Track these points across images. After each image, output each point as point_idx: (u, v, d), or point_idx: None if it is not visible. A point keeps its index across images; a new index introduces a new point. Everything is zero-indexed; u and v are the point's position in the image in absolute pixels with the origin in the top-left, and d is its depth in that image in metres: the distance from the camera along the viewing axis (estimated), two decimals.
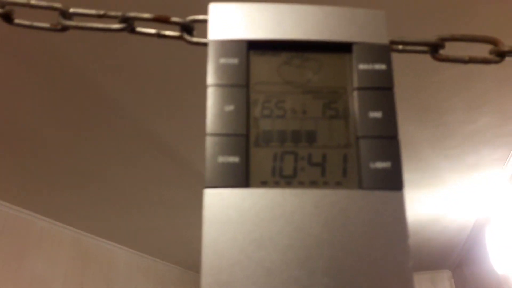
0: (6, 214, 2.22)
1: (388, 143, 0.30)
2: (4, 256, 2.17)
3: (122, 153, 1.91)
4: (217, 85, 0.30)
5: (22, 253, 2.29)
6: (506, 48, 0.35)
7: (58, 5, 0.36)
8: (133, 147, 1.86)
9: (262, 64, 0.32)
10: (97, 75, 1.38)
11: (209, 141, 0.29)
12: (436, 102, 1.83)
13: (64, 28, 0.37)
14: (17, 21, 0.38)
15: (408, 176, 2.57)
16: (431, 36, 0.35)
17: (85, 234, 2.78)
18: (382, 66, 0.31)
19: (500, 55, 0.35)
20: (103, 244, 2.94)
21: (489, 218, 3.20)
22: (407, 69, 1.50)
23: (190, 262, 3.86)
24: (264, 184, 0.29)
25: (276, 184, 0.29)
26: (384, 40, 0.32)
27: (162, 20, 0.36)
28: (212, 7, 0.33)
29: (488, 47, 0.36)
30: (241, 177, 0.29)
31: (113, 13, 0.36)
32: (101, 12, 0.36)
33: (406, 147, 2.24)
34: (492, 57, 0.36)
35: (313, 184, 0.30)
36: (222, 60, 0.31)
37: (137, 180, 2.16)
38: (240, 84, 0.30)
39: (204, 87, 0.31)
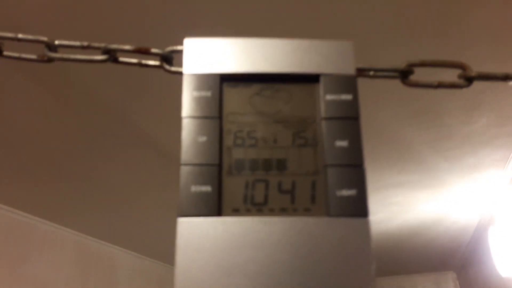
0: (10, 218, 2.25)
1: (353, 171, 0.31)
2: (8, 259, 2.20)
3: (123, 158, 1.93)
4: (191, 117, 0.32)
5: (25, 257, 2.31)
6: (473, 74, 0.36)
7: (44, 38, 0.38)
8: (134, 152, 1.88)
9: (235, 96, 0.33)
10: (97, 83, 1.40)
11: (183, 171, 0.31)
12: (433, 104, 1.84)
13: (50, 60, 0.39)
14: (6, 53, 0.39)
15: (407, 177, 2.58)
16: (401, 62, 0.36)
17: (87, 237, 2.80)
18: (348, 97, 0.32)
19: (468, 79, 0.36)
20: (105, 247, 2.97)
21: (493, 219, 3.20)
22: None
23: None
24: (236, 212, 0.31)
25: (248, 212, 0.31)
26: (350, 70, 0.33)
27: (142, 52, 0.37)
28: (186, 41, 0.34)
29: (457, 71, 0.37)
30: (213, 205, 0.30)
31: (96, 45, 0.38)
32: (85, 43, 0.38)
33: (404, 149, 2.25)
34: (460, 81, 0.37)
35: (283, 211, 0.31)
36: (196, 93, 0.32)
37: (139, 183, 2.18)
38: (212, 116, 0.32)
39: None
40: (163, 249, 3.29)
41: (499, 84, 1.44)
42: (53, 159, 1.87)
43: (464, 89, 1.34)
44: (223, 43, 0.34)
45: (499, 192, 2.84)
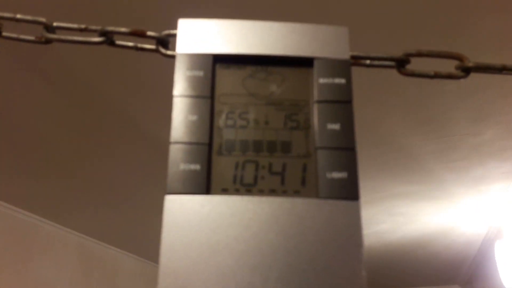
0: (13, 217, 2.25)
1: (345, 154, 0.31)
2: (10, 259, 2.20)
3: (129, 160, 1.93)
4: (182, 96, 0.32)
5: (28, 257, 2.31)
6: (471, 64, 0.35)
7: (42, 19, 0.38)
8: (141, 154, 1.88)
9: (227, 77, 0.33)
10: (104, 84, 1.41)
11: (172, 149, 0.31)
12: (440, 114, 1.83)
13: (48, 41, 0.39)
14: (4, 34, 0.40)
15: (412, 188, 2.55)
16: (397, 51, 0.36)
17: (90, 239, 2.80)
18: (342, 80, 0.32)
19: (465, 70, 0.36)
20: (108, 250, 2.96)
21: (500, 232, 3.15)
22: (409, 80, 1.50)
23: None
24: (224, 191, 0.30)
25: (237, 192, 0.30)
26: (345, 55, 0.33)
27: (138, 34, 0.37)
28: (181, 22, 0.34)
29: (454, 62, 0.37)
30: (201, 184, 0.30)
31: (93, 27, 0.38)
32: (83, 26, 0.38)
33: (410, 158, 2.23)
34: (457, 72, 0.36)
35: (273, 192, 0.31)
36: (188, 73, 0.32)
37: (144, 186, 2.18)
38: (204, 96, 0.32)
39: None
40: None
41: (508, 96, 1.43)
42: (58, 159, 1.88)
43: (471, 101, 1.34)
44: (218, 24, 0.34)
45: (507, 205, 2.80)
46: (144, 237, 2.90)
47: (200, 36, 0.34)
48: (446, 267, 4.22)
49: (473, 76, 0.38)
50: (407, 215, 2.95)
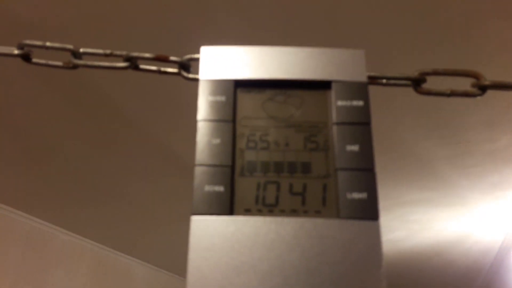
0: (30, 227, 2.29)
1: (364, 175, 0.32)
2: (27, 267, 2.24)
3: (142, 170, 1.96)
4: (206, 120, 0.33)
5: (44, 265, 2.35)
6: (487, 82, 0.36)
7: (70, 46, 0.40)
8: (152, 164, 1.90)
9: (248, 101, 0.34)
10: (120, 96, 1.44)
11: (197, 171, 0.32)
12: (455, 120, 1.82)
13: (75, 66, 0.41)
14: (34, 60, 0.42)
15: (427, 194, 2.53)
16: (413, 71, 0.37)
17: (105, 248, 2.83)
18: (360, 103, 0.33)
19: (482, 88, 0.37)
20: (122, 259, 2.99)
21: None
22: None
23: None
24: (247, 212, 0.32)
25: (259, 212, 0.32)
26: (362, 78, 0.34)
27: (162, 59, 0.39)
28: (203, 49, 0.36)
29: (471, 80, 0.38)
30: (225, 205, 0.31)
31: (118, 53, 0.40)
32: (108, 51, 0.40)
33: (424, 164, 2.22)
34: (474, 90, 0.37)
35: (294, 212, 0.32)
36: (211, 98, 0.34)
37: (155, 196, 2.20)
38: (226, 120, 0.33)
39: None
40: (180, 263, 3.30)
41: None
42: (74, 172, 1.91)
43: (486, 107, 1.33)
44: (238, 50, 0.35)
45: None
46: (157, 246, 2.92)
47: (222, 62, 0.35)
48: (463, 275, 4.15)
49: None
50: (421, 222, 2.92)
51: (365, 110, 0.33)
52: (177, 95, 1.39)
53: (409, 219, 2.87)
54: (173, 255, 3.11)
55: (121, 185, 2.07)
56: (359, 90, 0.34)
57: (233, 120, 0.33)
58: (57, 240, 2.46)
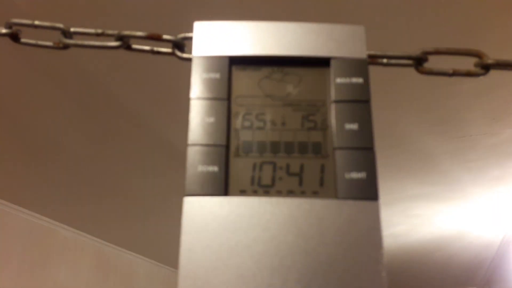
0: (32, 223, 2.29)
1: (363, 154, 0.30)
2: (29, 263, 2.24)
3: (143, 165, 1.95)
4: (199, 98, 0.32)
5: (46, 261, 2.35)
6: (490, 61, 0.35)
7: (60, 25, 0.39)
8: (154, 159, 1.90)
9: (244, 79, 0.33)
10: (120, 90, 1.42)
11: (190, 151, 0.31)
12: (456, 114, 1.80)
13: (66, 46, 0.40)
14: (23, 40, 0.41)
15: (428, 189, 2.52)
16: (415, 49, 0.36)
17: (107, 244, 2.83)
18: (359, 80, 0.32)
19: (485, 67, 0.35)
20: (124, 254, 2.99)
21: None
22: (425, 80, 1.48)
23: None
24: (242, 192, 0.30)
25: (254, 193, 0.30)
26: (362, 54, 0.33)
27: (154, 38, 0.38)
28: (196, 24, 0.34)
29: (473, 60, 0.36)
30: (220, 185, 0.30)
31: (110, 32, 0.39)
32: (99, 31, 0.39)
33: (426, 159, 2.20)
34: (477, 69, 0.36)
35: (291, 193, 0.31)
36: (205, 75, 0.32)
37: (158, 191, 2.20)
38: (221, 98, 0.32)
39: None
40: None
41: None
42: (75, 167, 1.90)
43: (487, 100, 1.31)
44: (233, 26, 0.34)
45: None
46: (159, 242, 2.92)
47: (216, 38, 0.34)
48: (464, 269, 4.15)
49: (489, 75, 0.37)
50: (423, 216, 2.91)
51: (365, 88, 0.32)
52: (179, 89, 1.38)
53: (411, 213, 2.86)
54: (175, 251, 3.11)
55: (123, 180, 2.06)
56: (358, 67, 0.32)
57: (228, 98, 0.32)
58: (59, 236, 2.46)
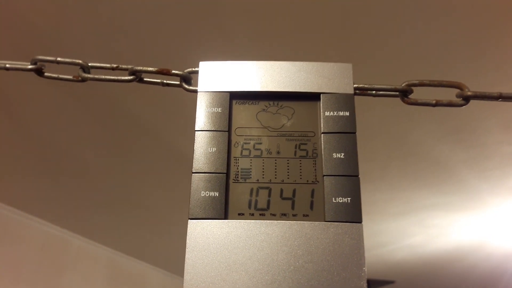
0: (46, 233, 2.36)
1: (349, 181, 0.34)
2: (44, 272, 2.30)
3: (155, 176, 2.00)
4: (203, 130, 0.36)
5: (60, 271, 2.40)
6: (470, 93, 0.38)
7: (79, 61, 0.44)
8: (166, 169, 1.95)
9: (243, 112, 0.37)
10: (135, 104, 1.48)
11: (194, 178, 0.35)
12: (471, 122, 1.80)
13: (84, 80, 0.44)
14: (47, 74, 0.45)
15: (445, 199, 2.50)
16: (400, 82, 0.39)
17: (119, 254, 2.88)
18: (346, 113, 0.35)
19: (465, 99, 0.38)
20: (137, 264, 3.04)
21: None
22: (439, 89, 1.49)
23: None
24: (240, 215, 0.34)
25: (251, 216, 0.34)
26: (349, 89, 0.36)
27: (164, 73, 0.42)
28: (202, 64, 0.39)
29: (455, 91, 0.39)
30: (220, 209, 0.34)
31: (124, 66, 0.43)
32: (114, 65, 0.43)
33: (443, 169, 2.19)
34: (458, 100, 0.39)
35: (284, 216, 0.34)
36: (208, 109, 0.37)
37: (170, 201, 2.24)
38: (222, 129, 0.36)
39: None
40: None
41: None
42: (89, 179, 1.97)
43: (503, 109, 1.32)
44: (233, 65, 0.38)
45: None
46: (172, 252, 2.96)
47: (218, 75, 0.38)
48: (483, 281, 4.07)
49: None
50: (440, 227, 2.89)
51: (351, 120, 0.35)
52: (189, 102, 1.43)
53: (428, 224, 2.83)
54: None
55: (136, 191, 2.12)
56: (345, 101, 0.36)
57: (229, 130, 0.36)
58: (72, 246, 2.52)
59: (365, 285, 0.31)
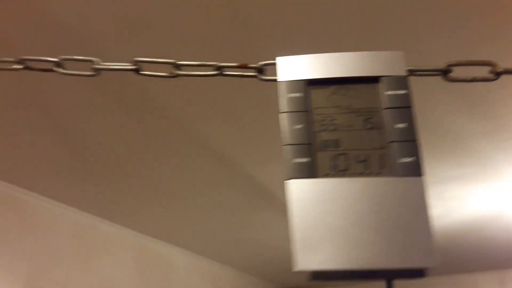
0: (77, 219, 2.49)
1: (411, 144, 0.43)
2: (77, 257, 2.44)
3: (181, 160, 2.10)
4: (288, 112, 0.46)
5: (91, 255, 2.54)
6: (501, 69, 0.46)
7: (172, 60, 0.53)
8: (191, 154, 2.04)
9: (318, 95, 0.46)
10: (165, 96, 1.58)
11: (285, 149, 0.44)
12: (487, 94, 1.85)
13: (176, 76, 0.53)
14: (143, 72, 0.55)
15: (463, 170, 2.56)
16: (442, 63, 0.48)
17: (147, 237, 3.01)
18: (402, 91, 0.45)
19: (497, 74, 0.47)
20: (163, 247, 3.16)
21: None
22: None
23: (245, 264, 4.01)
24: (326, 175, 0.44)
25: (334, 176, 0.44)
26: (402, 72, 0.45)
27: (243, 67, 0.51)
28: (279, 59, 0.48)
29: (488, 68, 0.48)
30: (310, 171, 0.43)
31: (209, 63, 0.52)
32: (201, 62, 0.52)
33: (459, 141, 2.24)
34: (490, 76, 0.47)
35: (360, 174, 0.44)
36: (289, 95, 0.46)
37: (194, 185, 2.34)
38: (304, 110, 0.45)
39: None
40: (218, 249, 3.46)
41: None
42: (119, 166, 2.08)
43: None
44: (308, 57, 0.47)
45: None
46: (197, 233, 3.08)
47: (295, 67, 0.47)
48: (504, 250, 4.14)
49: None
50: (458, 198, 2.96)
51: (408, 97, 0.45)
52: (216, 94, 1.52)
53: (446, 196, 2.91)
54: (212, 242, 3.27)
55: (161, 177, 2.22)
56: (401, 82, 0.45)
57: (309, 110, 0.46)
58: (101, 231, 2.65)
59: (431, 224, 0.41)
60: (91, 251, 2.54)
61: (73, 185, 2.25)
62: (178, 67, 0.53)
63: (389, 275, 0.41)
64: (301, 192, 0.42)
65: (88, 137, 1.84)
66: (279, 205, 2.62)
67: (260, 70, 0.51)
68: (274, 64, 0.49)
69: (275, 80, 0.48)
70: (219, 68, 0.52)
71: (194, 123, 1.77)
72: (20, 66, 0.54)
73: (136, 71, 0.54)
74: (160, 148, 1.95)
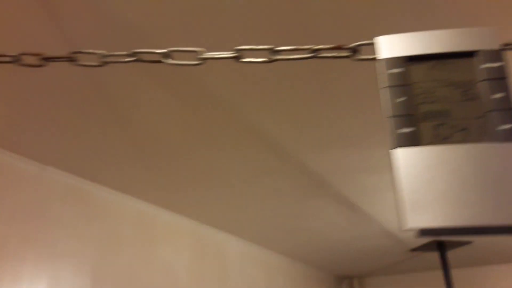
0: (138, 209, 2.64)
1: (508, 112, 0.47)
2: (139, 244, 2.59)
3: (235, 150, 2.16)
4: (390, 86, 0.50)
5: (152, 242, 2.70)
6: None
7: (271, 46, 0.58)
8: (243, 143, 2.10)
9: (417, 70, 0.50)
10: (223, 88, 1.64)
11: (390, 121, 0.49)
12: None
13: (274, 61, 0.59)
14: (243, 60, 0.60)
15: None
16: None
17: (203, 226, 3.14)
18: (497, 64, 0.48)
19: None
20: (219, 235, 3.29)
21: None
22: None
23: (296, 252, 4.08)
24: (429, 143, 0.48)
25: (437, 143, 0.48)
26: (497, 46, 0.49)
27: (339, 48, 0.56)
28: (377, 38, 0.52)
29: None
30: (415, 140, 0.48)
31: (304, 47, 0.57)
32: (297, 47, 0.57)
33: None
34: None
35: (462, 141, 0.48)
36: (390, 71, 0.50)
37: (248, 174, 2.41)
38: (405, 84, 0.50)
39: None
40: (271, 237, 3.54)
41: None
42: (175, 158, 2.17)
43: None
44: (405, 36, 0.51)
45: None
46: (250, 222, 3.17)
47: (394, 45, 0.51)
48: None
49: None
50: None
51: (503, 68, 0.48)
52: (270, 83, 1.57)
53: None
54: (265, 230, 3.36)
55: (215, 167, 2.30)
56: (496, 55, 0.49)
57: (409, 84, 0.50)
58: (161, 220, 2.80)
59: None
60: (152, 238, 2.69)
61: (136, 177, 2.37)
62: (275, 52, 0.58)
63: (493, 231, 0.45)
64: (407, 159, 0.47)
65: (150, 132, 1.94)
66: (333, 193, 2.66)
67: (354, 51, 0.56)
68: (369, 44, 0.53)
69: (373, 59, 0.52)
70: (314, 51, 0.57)
71: (249, 113, 1.83)
72: (133, 58, 0.61)
73: (237, 58, 0.60)
74: (218, 139, 2.02)
